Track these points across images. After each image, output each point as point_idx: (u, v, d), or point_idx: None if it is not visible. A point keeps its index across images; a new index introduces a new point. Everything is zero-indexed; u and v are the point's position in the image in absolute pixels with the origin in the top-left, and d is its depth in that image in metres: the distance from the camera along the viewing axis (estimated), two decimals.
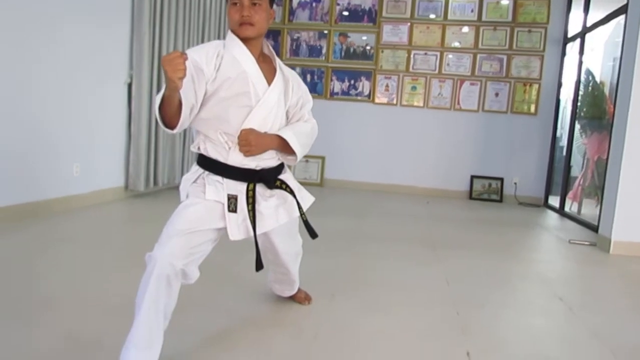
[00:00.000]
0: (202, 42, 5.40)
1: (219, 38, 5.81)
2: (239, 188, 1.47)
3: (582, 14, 5.18)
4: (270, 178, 1.55)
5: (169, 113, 1.34)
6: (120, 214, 3.85)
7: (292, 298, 2.07)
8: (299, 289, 2.06)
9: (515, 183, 5.91)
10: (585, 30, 5.08)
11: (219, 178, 1.48)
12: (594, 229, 4.03)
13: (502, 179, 5.94)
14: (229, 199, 1.45)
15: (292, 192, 1.59)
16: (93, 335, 1.68)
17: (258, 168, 1.52)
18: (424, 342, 1.80)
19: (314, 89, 6.11)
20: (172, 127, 1.38)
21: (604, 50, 5.70)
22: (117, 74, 4.21)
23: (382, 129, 6.12)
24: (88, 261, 2.51)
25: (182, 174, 5.09)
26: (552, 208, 5.54)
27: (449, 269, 2.78)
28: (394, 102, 6.10)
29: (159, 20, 4.50)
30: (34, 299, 1.96)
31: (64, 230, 3.10)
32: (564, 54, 5.70)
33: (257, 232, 1.50)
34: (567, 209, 5.28)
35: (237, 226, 1.48)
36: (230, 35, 1.50)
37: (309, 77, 6.22)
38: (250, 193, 1.48)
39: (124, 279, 2.29)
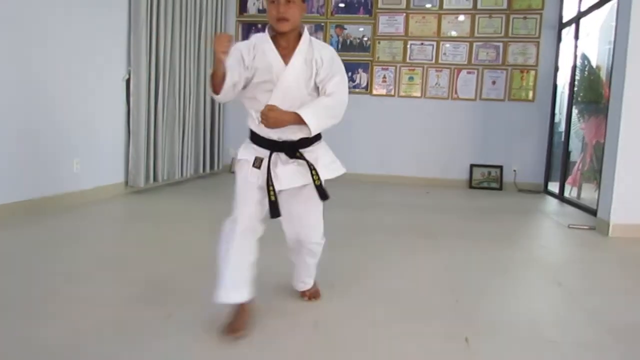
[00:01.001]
0: (199, 37, 5.40)
1: (215, 32, 5.80)
2: (265, 153, 1.78)
3: None
4: (290, 149, 1.77)
5: (215, 82, 1.66)
6: (121, 211, 3.86)
7: (302, 294, 2.05)
8: (313, 291, 2.06)
9: (514, 170, 5.89)
10: (580, 15, 5.05)
11: (254, 145, 1.82)
12: (594, 212, 4.02)
13: (501, 167, 5.92)
14: (255, 159, 1.79)
15: (308, 163, 1.77)
16: (93, 329, 1.69)
17: (280, 140, 1.76)
18: (423, 329, 1.79)
19: None
20: (217, 93, 1.69)
21: (599, 34, 5.67)
22: (115, 70, 4.21)
23: (380, 120, 6.10)
24: (89, 258, 2.51)
25: (182, 169, 5.12)
26: (552, 194, 5.53)
27: (449, 258, 2.78)
28: (392, 93, 6.08)
29: (155, 17, 4.48)
30: (35, 295, 1.96)
31: (65, 228, 3.10)
32: (559, 39, 5.66)
33: (279, 187, 1.77)
34: (566, 194, 5.27)
35: (257, 178, 1.78)
36: (266, 31, 1.76)
37: None
38: (269, 159, 1.77)
39: (125, 276, 2.30)
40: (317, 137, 1.83)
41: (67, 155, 3.69)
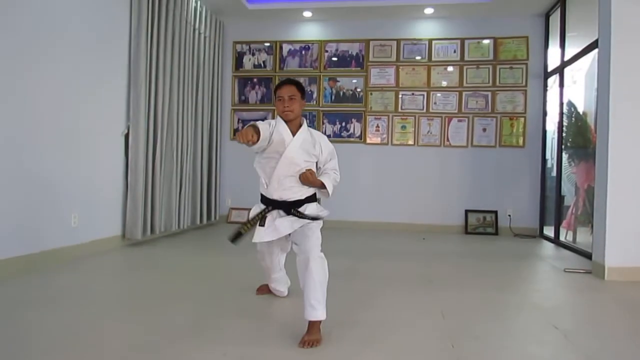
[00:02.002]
0: (197, 93, 5.62)
1: (212, 90, 6.03)
2: (268, 209, 2.40)
3: (559, 50, 5.39)
4: (286, 208, 2.37)
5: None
6: (118, 263, 3.88)
7: (308, 330, 2.15)
8: (316, 325, 2.16)
9: (509, 215, 5.97)
10: (564, 64, 5.28)
11: (261, 204, 2.44)
12: (589, 256, 4.07)
13: (496, 212, 6.00)
14: (261, 218, 2.39)
15: (302, 216, 2.35)
16: None
17: (280, 199, 2.37)
18: None
19: None
20: (254, 143, 2.19)
21: (584, 81, 5.90)
22: (115, 125, 4.35)
23: (375, 168, 6.24)
24: (87, 312, 2.53)
25: (179, 221, 5.18)
26: (548, 238, 5.58)
27: (445, 303, 2.80)
28: (386, 141, 6.24)
29: (154, 73, 4.68)
30: (33, 352, 1.98)
31: (62, 282, 3.12)
32: (545, 87, 5.89)
33: (271, 238, 2.39)
34: (562, 238, 5.32)
35: (264, 234, 2.37)
36: (278, 117, 2.41)
37: None
38: (269, 210, 2.41)
39: (122, 328, 2.32)
40: (310, 200, 2.43)
41: (66, 210, 3.75)
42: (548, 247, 5.17)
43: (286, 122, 2.37)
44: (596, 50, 4.00)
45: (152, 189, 4.67)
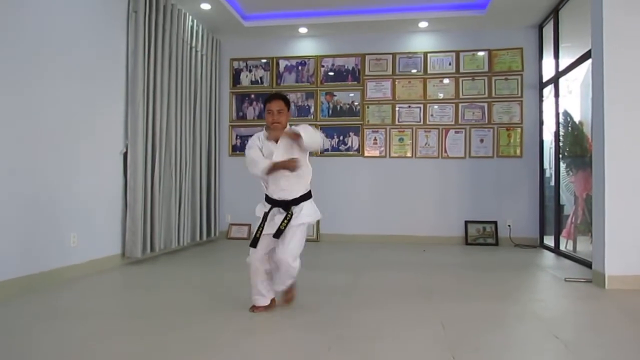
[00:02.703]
0: (195, 111, 5.68)
1: (210, 107, 6.09)
2: (269, 208, 2.81)
3: (553, 60, 5.46)
4: (285, 206, 2.79)
5: (271, 172, 2.78)
6: (118, 283, 3.88)
7: (284, 298, 2.94)
8: (290, 289, 2.93)
9: (509, 225, 5.99)
10: (558, 75, 5.35)
11: (265, 202, 2.87)
12: (589, 265, 4.07)
13: (495, 222, 6.02)
14: (264, 214, 2.81)
15: (288, 215, 2.74)
16: None
17: (280, 199, 2.80)
18: None
19: None
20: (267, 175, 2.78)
21: (580, 91, 5.95)
22: (113, 144, 4.38)
23: (374, 181, 6.27)
24: (88, 332, 2.53)
25: (179, 238, 5.19)
26: (548, 248, 5.59)
27: (446, 314, 2.81)
28: (384, 154, 6.28)
29: (152, 91, 4.73)
30: None
31: (62, 303, 3.12)
32: (541, 97, 5.96)
33: (271, 231, 2.75)
34: (562, 247, 5.33)
35: (266, 227, 2.77)
36: (264, 130, 2.86)
37: None
38: (271, 211, 2.82)
39: (123, 347, 2.32)
40: (306, 197, 2.84)
41: (65, 230, 3.76)
42: (548, 256, 5.18)
43: (272, 130, 2.80)
44: (590, 60, 4.06)
45: (151, 206, 4.69)
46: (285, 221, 2.72)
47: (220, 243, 6.09)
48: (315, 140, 2.78)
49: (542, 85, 5.91)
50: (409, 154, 6.23)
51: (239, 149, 6.61)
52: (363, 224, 6.21)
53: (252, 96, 6.61)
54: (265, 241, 2.76)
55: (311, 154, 3.01)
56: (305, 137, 2.67)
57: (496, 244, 5.94)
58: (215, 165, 6.25)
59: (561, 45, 5.38)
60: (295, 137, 2.68)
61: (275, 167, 2.73)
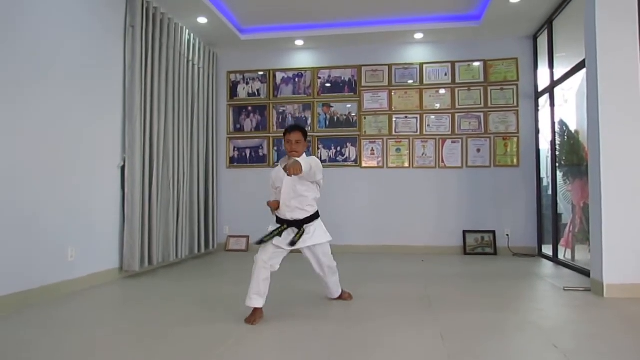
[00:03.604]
0: (192, 123, 5.70)
1: (207, 119, 6.12)
2: (282, 226, 3.08)
3: (548, 70, 5.52)
4: (296, 225, 3.08)
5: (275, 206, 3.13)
6: (116, 296, 3.87)
7: (339, 298, 3.44)
8: (343, 292, 3.45)
9: (507, 235, 6.00)
10: (553, 84, 5.40)
11: (277, 223, 3.12)
12: (588, 274, 4.08)
13: (494, 232, 6.03)
14: (278, 228, 3.07)
15: (299, 232, 3.07)
16: None
17: (292, 219, 3.08)
18: None
19: None
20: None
21: (575, 100, 6.01)
22: (111, 158, 4.39)
23: (371, 191, 6.29)
24: (86, 347, 2.53)
25: (177, 251, 5.19)
26: (546, 257, 5.60)
27: (445, 325, 2.81)
28: (381, 164, 6.31)
29: (149, 104, 4.76)
30: None
31: (60, 318, 3.11)
32: (537, 107, 6.01)
33: (285, 247, 3.04)
34: (560, 256, 5.34)
35: (280, 242, 3.02)
36: (284, 158, 3.16)
37: None
38: (283, 228, 3.09)
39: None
40: (315, 217, 3.15)
41: (62, 244, 3.76)
42: (547, 265, 5.19)
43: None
44: (584, 70, 4.11)
45: (149, 219, 4.69)
46: (298, 235, 3.04)
47: (219, 255, 6.08)
48: (315, 168, 2.98)
49: (538, 95, 5.96)
50: (406, 164, 6.26)
51: (236, 160, 6.64)
52: (361, 235, 6.21)
53: (250, 108, 6.65)
54: (275, 250, 3.03)
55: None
56: (304, 165, 2.82)
57: (495, 253, 5.95)
58: (213, 177, 6.26)
59: (556, 55, 5.44)
60: (293, 171, 2.77)
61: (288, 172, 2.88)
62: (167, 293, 3.90)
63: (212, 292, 3.90)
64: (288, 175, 2.83)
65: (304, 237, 3.07)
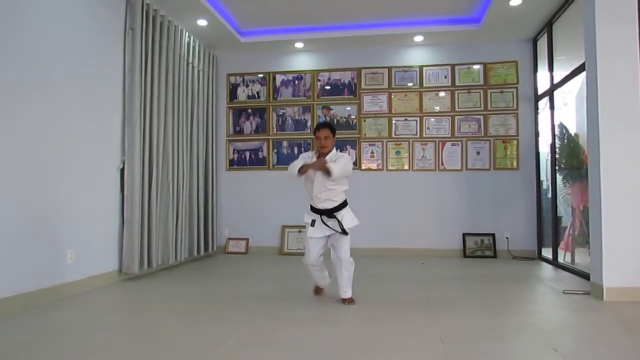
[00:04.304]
0: (192, 126, 5.71)
1: (207, 122, 6.12)
2: (316, 216, 3.48)
3: (548, 73, 5.53)
4: (328, 213, 3.44)
5: (302, 171, 3.38)
6: (115, 299, 3.86)
7: (345, 302, 3.47)
8: (350, 299, 3.48)
9: (507, 238, 6.01)
10: (553, 87, 5.41)
11: (311, 212, 3.53)
12: (588, 277, 4.09)
13: (493, 235, 6.04)
14: (312, 221, 3.49)
15: (339, 221, 3.41)
16: None
17: (323, 208, 3.44)
18: None
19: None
20: (300, 176, 3.40)
21: (575, 103, 6.02)
22: (110, 160, 4.40)
23: (371, 194, 6.29)
24: (86, 351, 2.53)
25: (177, 253, 5.19)
26: (546, 260, 5.61)
27: (444, 328, 2.82)
28: (381, 167, 6.32)
29: (149, 106, 4.77)
30: None
31: (60, 320, 3.12)
32: (537, 110, 6.02)
33: (322, 235, 3.46)
34: (560, 259, 5.35)
35: (315, 231, 3.45)
36: (315, 149, 3.56)
37: (296, 150, 6.47)
38: (320, 218, 3.46)
39: None
40: (344, 205, 3.51)
41: (62, 247, 3.77)
42: (547, 268, 5.20)
43: (321, 154, 3.48)
44: (584, 73, 4.12)
45: (148, 222, 4.70)
46: (340, 223, 3.40)
47: (218, 258, 6.08)
48: (345, 173, 3.44)
49: (538, 98, 5.98)
50: (406, 167, 6.28)
51: (236, 163, 6.65)
52: (361, 237, 6.18)
53: (249, 111, 6.66)
54: (317, 246, 3.47)
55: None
56: (335, 173, 3.31)
57: (494, 256, 5.96)
58: (212, 180, 6.27)
59: (555, 58, 5.46)
60: (325, 170, 3.33)
61: (306, 168, 3.36)
62: (167, 295, 3.91)
63: (211, 294, 3.90)
64: (317, 169, 3.35)
65: (333, 225, 3.44)
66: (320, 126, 3.53)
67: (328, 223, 3.41)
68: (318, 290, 3.78)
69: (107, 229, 4.34)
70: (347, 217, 3.47)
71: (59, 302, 3.54)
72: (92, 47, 4.17)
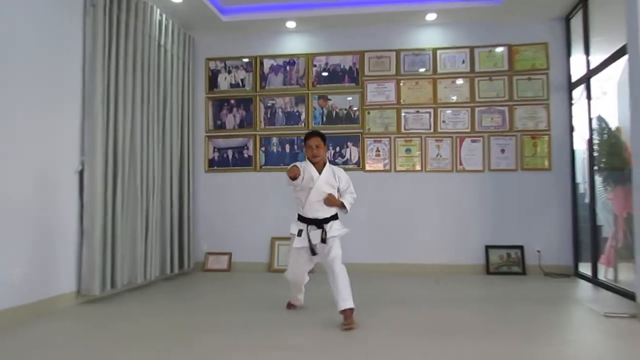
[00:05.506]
0: (164, 120, 5.71)
1: (182, 115, 6.10)
2: (304, 226, 3.83)
3: (583, 57, 5.52)
4: (317, 224, 3.80)
5: (292, 176, 3.69)
6: (70, 327, 3.80)
7: (344, 319, 3.56)
8: (351, 309, 3.59)
9: (538, 251, 5.98)
10: (589, 73, 5.40)
11: (299, 222, 3.88)
12: (633, 297, 4.06)
13: (522, 247, 6.02)
14: (299, 230, 3.82)
15: (323, 232, 3.78)
16: None
17: (313, 217, 3.80)
18: None
19: (294, 160, 6.30)
20: (294, 180, 3.70)
21: (616, 92, 6.01)
22: (66, 160, 4.37)
23: (376, 199, 6.26)
24: None
25: (146, 271, 5.16)
26: (584, 277, 5.59)
27: (464, 358, 2.78)
28: (388, 168, 6.30)
29: (113, 97, 4.74)
30: None
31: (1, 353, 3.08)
32: (571, 100, 6.01)
33: (305, 244, 3.81)
34: (600, 276, 5.33)
35: (301, 241, 3.80)
36: (307, 160, 3.88)
37: (288, 148, 6.46)
38: (306, 228, 3.83)
39: None
40: (334, 217, 3.87)
41: (7, 264, 3.72)
42: (585, 287, 5.18)
43: (313, 164, 3.83)
44: (626, 56, 4.10)
45: (112, 234, 4.66)
46: (324, 232, 3.76)
47: (196, 276, 6.04)
48: (351, 206, 3.94)
49: (572, 86, 5.97)
50: (417, 167, 6.25)
51: (216, 163, 6.62)
52: (364, 251, 6.18)
53: (232, 102, 6.64)
54: (302, 258, 3.85)
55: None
56: (349, 207, 3.91)
57: (523, 272, 5.94)
58: (188, 184, 6.23)
59: (592, 40, 5.45)
60: (341, 206, 3.89)
61: (329, 202, 3.81)
62: (131, 322, 3.86)
63: (184, 322, 3.86)
64: (327, 205, 3.81)
65: (319, 235, 3.79)
66: (310, 135, 3.91)
67: (311, 234, 3.78)
68: (291, 305, 4.17)
69: (62, 243, 4.29)
70: (335, 226, 3.85)
71: (3, 331, 3.48)
72: (45, 27, 4.13)
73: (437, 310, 4.07)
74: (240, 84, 6.66)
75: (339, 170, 3.96)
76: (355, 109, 6.42)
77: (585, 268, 5.69)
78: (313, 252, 3.80)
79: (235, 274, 6.18)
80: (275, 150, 6.53)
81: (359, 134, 6.37)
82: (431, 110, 6.27)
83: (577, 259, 5.92)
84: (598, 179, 5.49)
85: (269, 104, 6.58)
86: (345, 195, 3.93)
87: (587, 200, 5.77)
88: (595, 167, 5.47)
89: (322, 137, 3.92)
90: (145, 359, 2.89)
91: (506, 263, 6.02)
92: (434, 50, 6.32)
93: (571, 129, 6.03)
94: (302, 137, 6.38)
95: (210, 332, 3.50)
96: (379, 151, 6.35)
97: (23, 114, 3.89)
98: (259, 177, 6.52)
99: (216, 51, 6.69)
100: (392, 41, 6.40)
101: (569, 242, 5.98)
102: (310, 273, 3.99)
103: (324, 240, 3.74)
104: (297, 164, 3.83)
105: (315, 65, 6.51)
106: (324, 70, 6.51)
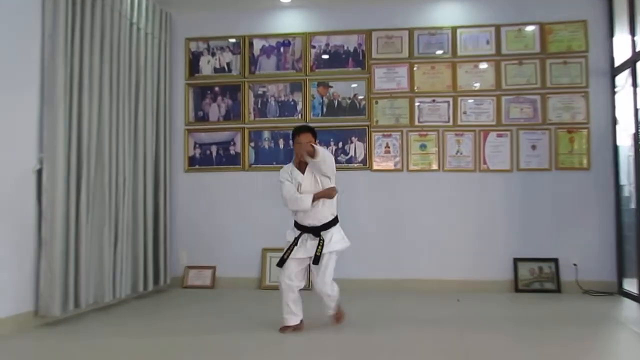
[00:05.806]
0: (137, 111, 5.75)
1: (157, 105, 6.10)
2: (299, 233, 4.08)
3: (628, 37, 5.51)
4: (314, 232, 4.03)
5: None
6: (24, 354, 3.80)
7: (334, 320, 4.21)
8: (337, 312, 4.23)
9: (574, 265, 5.97)
10: (636, 57, 5.39)
11: (295, 229, 4.12)
12: None
13: (556, 260, 6.01)
14: (294, 239, 4.03)
15: (320, 242, 4.00)
16: None
17: (310, 225, 4.03)
18: None
19: (290, 157, 6.29)
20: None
21: None
22: (21, 157, 4.36)
23: (386, 204, 6.27)
24: None
25: (115, 289, 5.15)
26: (629, 295, 5.58)
27: None
28: (399, 167, 6.31)
29: (77, 84, 4.74)
30: None
31: None
32: (614, 88, 6.00)
33: (303, 255, 4.04)
34: None
35: (297, 251, 4.01)
36: (292, 162, 4.17)
37: (281, 143, 6.45)
38: (301, 236, 4.09)
39: None
40: (333, 223, 4.09)
41: None
42: (630, 306, 5.19)
43: (301, 163, 4.06)
44: None
45: (75, 245, 4.65)
46: (320, 247, 3.95)
47: (173, 294, 6.04)
48: (328, 166, 3.99)
49: (615, 72, 5.96)
50: (434, 166, 6.26)
51: (198, 162, 6.61)
52: (373, 265, 6.18)
53: (217, 89, 6.63)
54: (294, 263, 4.02)
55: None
56: (320, 157, 3.86)
57: (558, 290, 5.93)
58: (165, 185, 6.23)
59: (638, 17, 5.44)
60: (311, 152, 3.84)
61: (317, 198, 3.97)
62: (96, 349, 3.85)
63: (158, 347, 3.85)
64: (330, 198, 4.04)
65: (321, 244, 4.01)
66: (300, 130, 4.07)
67: (307, 244, 4.02)
68: (286, 328, 4.08)
69: (16, 256, 4.28)
70: (336, 236, 4.08)
71: None
72: None
73: (458, 334, 4.07)
74: (226, 68, 6.65)
75: (324, 151, 4.10)
76: (360, 97, 6.42)
77: (630, 285, 5.68)
78: (315, 261, 3.97)
79: (220, 291, 6.17)
80: (266, 146, 6.52)
81: (365, 128, 6.37)
82: (450, 100, 6.27)
83: (620, 274, 5.91)
84: None
85: (259, 92, 6.58)
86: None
87: (632, 205, 5.76)
88: None
89: (313, 132, 4.08)
90: None
91: (538, 279, 6.01)
92: (454, 29, 6.32)
93: (614, 121, 6.03)
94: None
95: (190, 356, 3.48)
96: (389, 147, 6.34)
97: None
98: (248, 177, 6.52)
99: (198, 30, 6.70)
100: (405, 19, 6.40)
101: (611, 255, 5.97)
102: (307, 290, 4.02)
103: (317, 259, 3.94)
104: (285, 171, 4.13)
105: (314, 47, 6.52)
106: (325, 53, 6.51)
